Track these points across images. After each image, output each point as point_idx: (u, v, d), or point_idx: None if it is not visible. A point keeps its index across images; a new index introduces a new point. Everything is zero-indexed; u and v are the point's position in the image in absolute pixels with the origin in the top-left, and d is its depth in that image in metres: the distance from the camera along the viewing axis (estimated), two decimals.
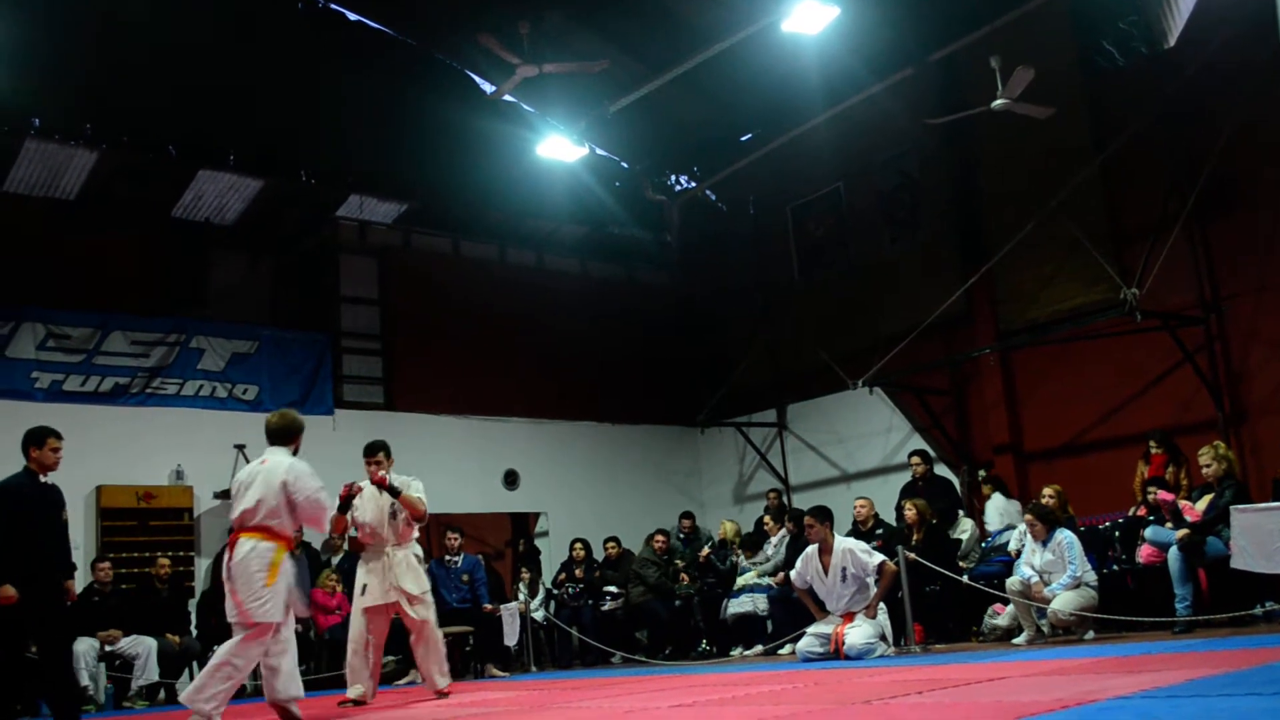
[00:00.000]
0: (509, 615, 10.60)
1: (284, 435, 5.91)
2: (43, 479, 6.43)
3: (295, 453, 5.89)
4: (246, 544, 5.57)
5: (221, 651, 5.57)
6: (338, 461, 11.88)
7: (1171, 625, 7.26)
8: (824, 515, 8.06)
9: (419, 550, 7.40)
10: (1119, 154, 10.42)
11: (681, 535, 12.13)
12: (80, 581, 9.87)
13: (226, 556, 5.68)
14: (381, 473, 7.15)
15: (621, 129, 13.91)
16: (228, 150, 12.54)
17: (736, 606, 10.40)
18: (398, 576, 7.07)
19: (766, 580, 10.34)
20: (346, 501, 6.96)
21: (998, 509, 10.07)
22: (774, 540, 10.73)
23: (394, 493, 7.11)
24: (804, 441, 13.86)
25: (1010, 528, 9.32)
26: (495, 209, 14.52)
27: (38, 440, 6.45)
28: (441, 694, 7.07)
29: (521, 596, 11.35)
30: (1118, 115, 10.49)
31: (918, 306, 11.44)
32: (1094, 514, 9.44)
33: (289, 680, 5.72)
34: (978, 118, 10.61)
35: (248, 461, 11.30)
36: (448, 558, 10.39)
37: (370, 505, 7.19)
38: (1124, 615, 7.48)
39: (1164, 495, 8.07)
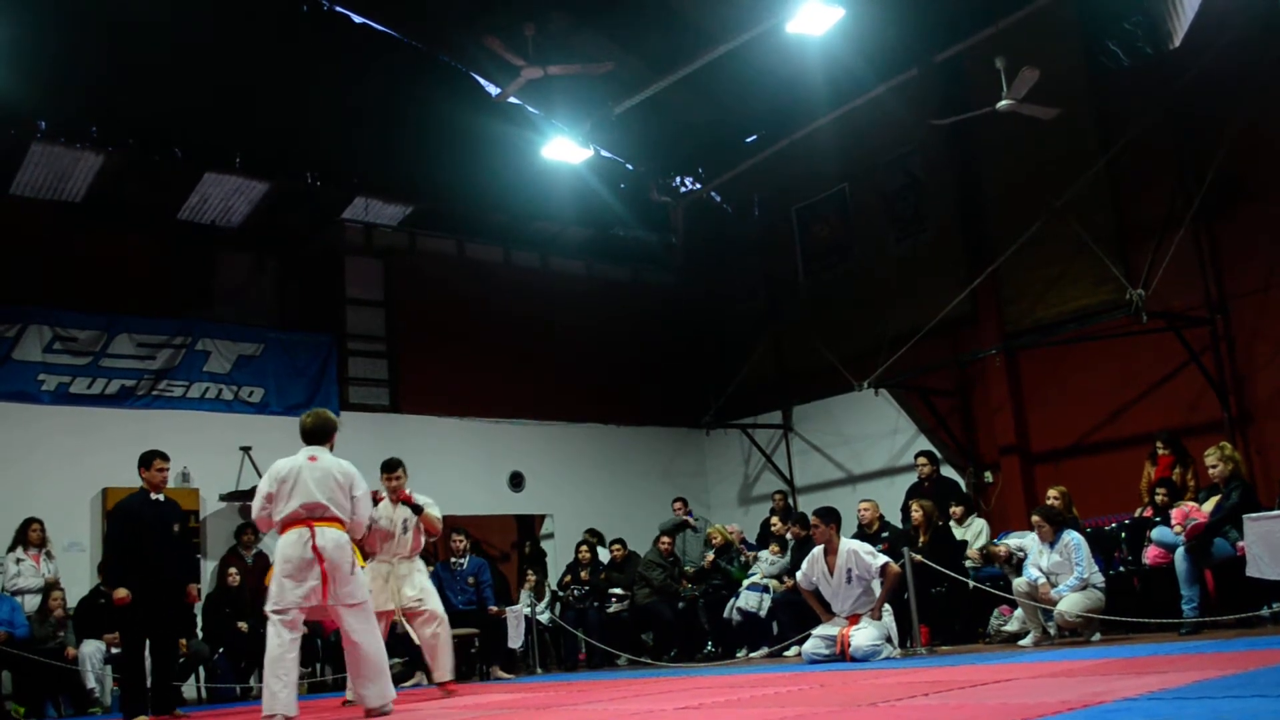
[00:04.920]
0: (514, 617, 10.59)
1: (320, 434, 6.05)
2: (154, 496, 7.24)
3: (331, 450, 6.05)
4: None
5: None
6: None
7: (1178, 627, 7.23)
8: (830, 516, 8.00)
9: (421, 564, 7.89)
10: (1124, 155, 10.40)
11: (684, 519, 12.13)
12: (88, 584, 9.95)
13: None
14: (407, 490, 7.68)
15: (626, 131, 13.91)
16: (233, 153, 12.57)
17: (743, 603, 10.37)
18: (400, 588, 7.57)
19: (767, 580, 10.31)
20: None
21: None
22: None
23: (416, 510, 7.63)
24: (809, 443, 13.85)
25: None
26: (500, 211, 14.52)
27: (145, 463, 7.25)
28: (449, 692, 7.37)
29: (527, 599, 11.35)
30: (1123, 116, 10.47)
31: (923, 307, 11.44)
32: (1100, 515, 9.42)
33: None
34: (982, 118, 10.60)
35: (253, 464, 11.48)
36: (453, 560, 10.39)
37: (383, 518, 7.65)
38: (1130, 617, 7.45)
39: (1177, 512, 7.88)
